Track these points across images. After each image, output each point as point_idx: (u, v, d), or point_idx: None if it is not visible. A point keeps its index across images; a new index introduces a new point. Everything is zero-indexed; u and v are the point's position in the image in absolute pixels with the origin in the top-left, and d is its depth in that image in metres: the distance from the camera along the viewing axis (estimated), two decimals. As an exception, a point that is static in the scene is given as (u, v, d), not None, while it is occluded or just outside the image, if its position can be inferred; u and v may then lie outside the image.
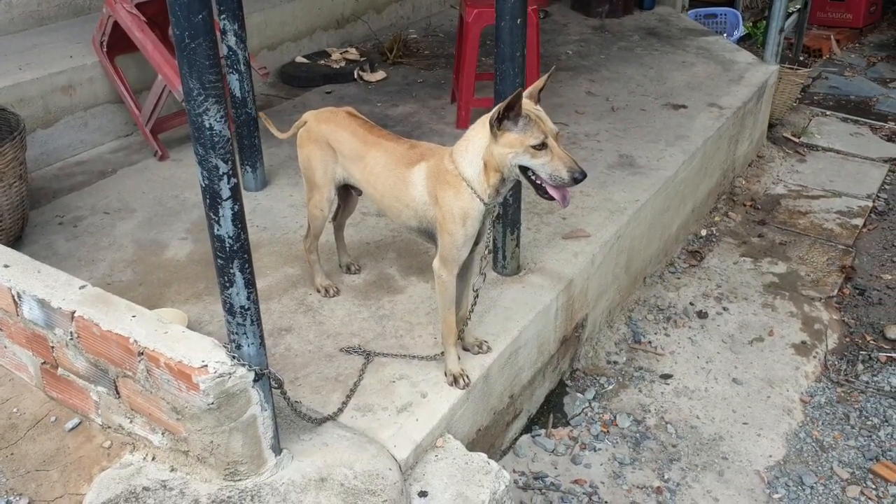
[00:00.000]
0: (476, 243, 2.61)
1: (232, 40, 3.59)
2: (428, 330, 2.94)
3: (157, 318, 2.18)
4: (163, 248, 3.49)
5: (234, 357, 2.02)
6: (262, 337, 2.04)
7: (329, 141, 2.85)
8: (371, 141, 2.77)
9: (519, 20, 2.74)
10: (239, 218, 1.86)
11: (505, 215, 3.11)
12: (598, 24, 6.66)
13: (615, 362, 3.73)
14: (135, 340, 2.11)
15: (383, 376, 2.71)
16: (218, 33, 3.56)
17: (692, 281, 4.38)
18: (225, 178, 1.80)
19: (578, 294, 3.38)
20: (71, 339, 2.27)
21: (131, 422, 2.29)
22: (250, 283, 1.95)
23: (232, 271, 1.91)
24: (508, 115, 2.27)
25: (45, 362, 2.45)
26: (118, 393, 2.26)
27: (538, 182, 2.36)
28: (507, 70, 2.83)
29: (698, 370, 3.71)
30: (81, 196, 3.94)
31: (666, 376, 3.66)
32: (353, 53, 5.62)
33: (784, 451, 3.27)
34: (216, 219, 1.84)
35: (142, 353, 2.10)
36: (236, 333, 2.00)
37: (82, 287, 2.33)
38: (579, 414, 3.40)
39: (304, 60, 5.53)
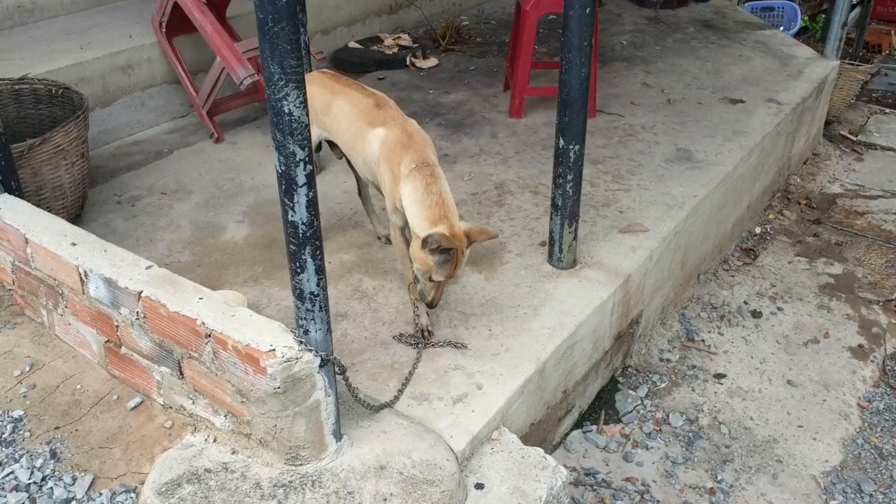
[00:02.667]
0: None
1: (292, 24, 3.58)
2: (482, 321, 2.92)
3: (225, 302, 2.18)
4: (220, 230, 3.51)
5: (301, 342, 2.02)
6: (328, 323, 2.03)
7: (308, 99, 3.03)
8: (338, 90, 2.95)
9: (588, 9, 2.69)
10: (313, 205, 1.85)
11: (563, 207, 3.07)
12: (652, 15, 6.56)
13: (668, 360, 3.68)
14: (202, 322, 2.12)
15: (438, 366, 2.70)
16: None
17: (746, 279, 4.31)
18: (301, 164, 1.79)
19: (635, 290, 3.34)
20: (137, 318, 2.29)
21: (193, 403, 2.30)
22: (320, 270, 1.94)
23: (304, 257, 1.90)
24: (439, 249, 2.50)
25: (108, 340, 2.47)
26: (182, 374, 2.28)
27: (416, 280, 2.69)
28: (574, 60, 2.78)
29: (752, 370, 3.65)
30: (138, 176, 3.98)
31: (719, 376, 3.60)
32: (405, 39, 5.60)
33: (841, 456, 3.21)
34: (291, 205, 1.83)
35: (209, 336, 2.11)
36: (304, 319, 1.99)
37: (149, 267, 2.35)
38: (631, 411, 3.36)
39: (357, 46, 5.52)
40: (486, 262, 3.28)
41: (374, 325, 2.91)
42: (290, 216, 1.86)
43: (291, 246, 1.90)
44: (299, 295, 1.96)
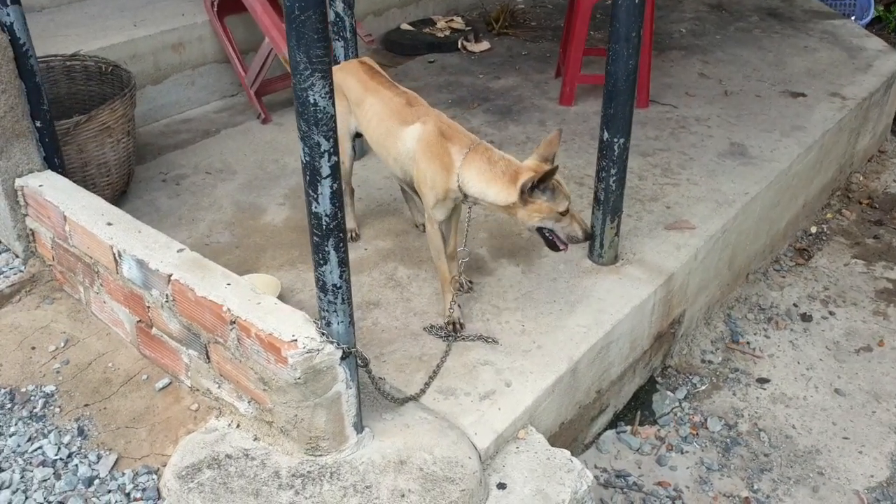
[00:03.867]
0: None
1: (340, 6, 3.55)
2: (516, 316, 2.87)
3: (251, 288, 2.18)
4: (261, 212, 3.52)
5: (323, 334, 2.00)
6: (351, 315, 2.01)
7: (343, 90, 2.98)
8: (371, 87, 2.89)
9: (638, -1, 2.59)
10: (337, 196, 1.82)
11: (606, 202, 2.99)
12: (714, 2, 6.34)
13: (710, 361, 3.57)
14: (228, 309, 2.11)
15: (467, 360, 2.66)
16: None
17: (798, 281, 4.15)
18: (326, 155, 1.76)
19: (678, 290, 3.24)
20: (166, 301, 2.30)
21: (219, 387, 2.31)
22: (343, 262, 1.91)
23: (327, 249, 1.87)
24: (540, 186, 2.44)
25: (140, 321, 2.50)
26: (209, 358, 2.28)
27: (550, 237, 2.57)
28: (621, 51, 2.69)
29: (798, 377, 3.52)
30: (185, 154, 4.02)
31: (763, 380, 3.48)
32: (458, 22, 5.52)
33: (888, 472, 3.07)
34: (315, 196, 1.81)
35: (234, 322, 2.10)
36: (327, 311, 1.97)
37: (180, 251, 2.35)
38: (668, 413, 3.28)
39: (409, 28, 5.47)
40: (524, 254, 3.22)
41: (405, 315, 2.88)
42: (314, 207, 1.83)
43: (315, 237, 1.88)
44: (322, 287, 1.94)
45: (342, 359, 2.03)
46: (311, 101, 1.70)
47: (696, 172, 3.82)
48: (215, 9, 4.30)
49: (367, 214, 3.49)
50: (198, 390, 2.41)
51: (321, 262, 1.90)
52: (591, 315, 2.87)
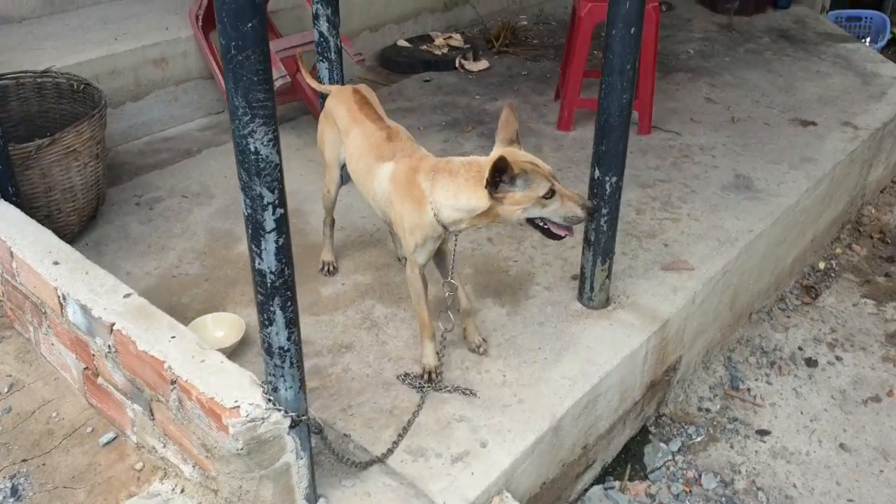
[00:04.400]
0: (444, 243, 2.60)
1: (324, 26, 3.38)
2: (497, 364, 2.67)
3: (198, 343, 1.99)
4: (235, 241, 3.34)
5: (269, 400, 1.81)
6: (302, 380, 1.82)
7: (335, 117, 2.82)
8: (357, 118, 2.72)
9: (633, 29, 2.40)
10: (283, 252, 1.64)
11: (597, 243, 2.79)
12: (725, 22, 6.14)
13: (707, 410, 3.36)
14: (169, 367, 1.93)
15: (442, 415, 2.46)
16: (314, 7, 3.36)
17: (804, 321, 3.94)
18: (270, 208, 1.58)
19: (673, 336, 3.04)
20: (109, 351, 2.12)
21: (164, 447, 2.13)
22: (292, 323, 1.72)
23: (272, 309, 1.69)
24: (502, 179, 2.15)
25: (87, 368, 2.32)
26: (153, 415, 2.10)
27: (545, 226, 2.28)
28: (615, 84, 2.50)
29: (800, 429, 3.30)
30: (163, 175, 3.84)
31: (763, 432, 3.27)
32: (456, 40, 5.34)
33: (895, 540, 2.86)
34: (258, 251, 1.62)
35: (174, 382, 1.92)
36: (273, 375, 1.78)
37: (127, 296, 2.17)
38: (660, 467, 3.07)
39: (406, 44, 5.30)
40: (510, 294, 3.02)
41: (378, 361, 2.69)
42: (257, 263, 1.64)
43: (259, 296, 1.69)
44: (268, 349, 1.75)
45: (291, 427, 1.84)
46: (252, 149, 1.52)
47: (697, 207, 3.62)
48: (200, 23, 4.13)
49: (347, 245, 3.31)
50: (143, 447, 2.22)
51: (266, 322, 1.71)
52: (577, 365, 2.67)
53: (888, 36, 6.47)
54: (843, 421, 3.35)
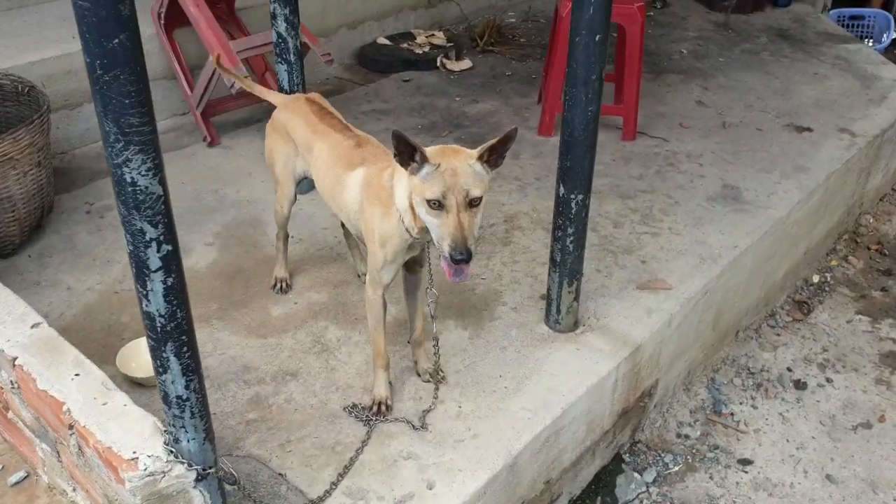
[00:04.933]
0: (420, 265, 2.41)
1: (282, 26, 3.18)
2: (454, 394, 2.48)
3: (102, 383, 1.80)
4: (186, 252, 3.14)
5: (171, 451, 1.62)
6: (206, 430, 1.63)
7: (288, 130, 2.62)
8: (320, 130, 2.51)
9: (598, 37, 2.20)
10: (174, 293, 1.45)
11: (563, 263, 2.60)
12: (721, 20, 5.91)
13: (686, 436, 3.17)
14: (68, 409, 1.75)
15: (388, 452, 2.27)
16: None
17: (794, 339, 3.73)
18: (154, 245, 1.39)
19: (647, 360, 2.84)
20: (12, 387, 1.93)
21: (74, 490, 1.95)
22: (190, 370, 1.54)
23: (165, 355, 1.50)
24: (410, 157, 1.94)
25: (-2, 401, 2.14)
26: (59, 457, 1.92)
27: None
28: (579, 95, 2.30)
29: (786, 458, 3.10)
30: (119, 181, 3.65)
31: (745, 462, 3.07)
32: (439, 38, 5.14)
33: (881, 584, 2.66)
34: (144, 292, 1.43)
35: (73, 427, 1.73)
36: (174, 426, 1.60)
37: (35, 325, 1.99)
38: (633, 500, 2.88)
39: (387, 42, 5.09)
40: (474, 315, 2.83)
41: (325, 391, 2.50)
42: (144, 305, 1.46)
43: (150, 341, 1.50)
44: (165, 398, 1.57)
45: (198, 481, 1.66)
46: (129, 179, 1.33)
47: (680, 220, 3.42)
48: (162, 21, 3.93)
49: (305, 260, 3.12)
50: (54, 489, 2.04)
51: (160, 369, 1.52)
52: (539, 396, 2.48)
53: (892, 35, 6.22)
54: (831, 449, 3.15)
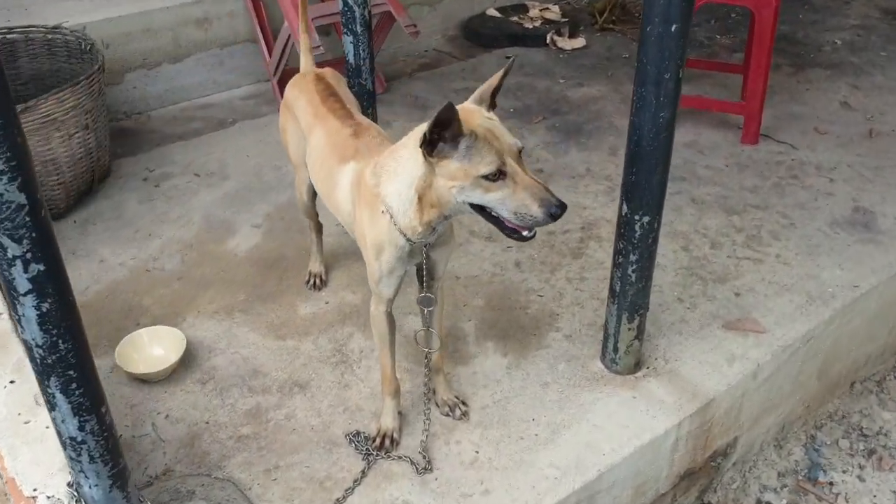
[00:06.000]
0: (432, 278, 1.97)
1: (349, -9, 2.86)
2: (473, 435, 2.14)
3: (35, 396, 1.59)
4: (230, 233, 2.94)
5: (74, 496, 1.38)
6: (114, 475, 1.38)
7: (294, 110, 2.30)
8: (320, 114, 2.18)
9: (675, 27, 1.75)
10: (52, 321, 1.18)
11: (622, 295, 2.18)
12: (893, 6, 5.10)
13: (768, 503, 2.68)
14: (-13, 423, 1.54)
15: (381, 498, 1.96)
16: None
17: (925, 399, 3.11)
18: (19, 264, 1.12)
19: (722, 416, 2.38)
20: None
21: None
22: (83, 410, 1.28)
23: (51, 391, 1.25)
24: (443, 137, 1.59)
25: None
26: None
27: (497, 217, 1.68)
28: (648, 97, 1.86)
29: (891, 549, 2.56)
30: (185, 148, 3.50)
31: (837, 547, 2.56)
32: (553, 12, 4.68)
33: None
34: (17, 317, 1.17)
35: (-11, 445, 1.53)
36: (72, 468, 1.35)
37: (-8, 316, 1.80)
38: (686, 576, 2.44)
39: (496, 14, 4.69)
40: (519, 340, 2.46)
41: (332, 410, 2.21)
42: (21, 333, 1.20)
43: (35, 372, 1.24)
44: (59, 436, 1.32)
45: (103, 531, 1.41)
46: (-18, 185, 1.06)
47: (791, 246, 2.88)
48: (247, -20, 3.73)
49: (344, 254, 2.83)
50: None
51: (49, 405, 1.27)
52: (573, 451, 2.09)
53: None
54: (953, 548, 2.57)
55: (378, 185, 1.80)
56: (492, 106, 1.73)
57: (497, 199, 1.62)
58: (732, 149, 3.50)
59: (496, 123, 1.66)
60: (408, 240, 1.81)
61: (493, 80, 1.72)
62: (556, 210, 1.59)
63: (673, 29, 1.74)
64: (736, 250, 2.86)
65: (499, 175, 1.60)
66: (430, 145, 1.61)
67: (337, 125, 2.11)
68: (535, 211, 1.60)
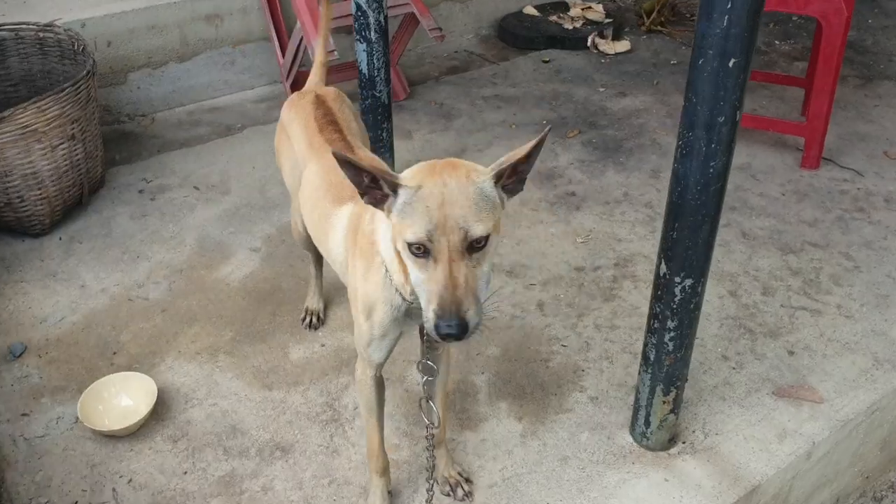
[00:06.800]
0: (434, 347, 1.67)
1: (362, -5, 2.57)
2: (478, 520, 1.84)
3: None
4: (224, 257, 2.68)
5: None
6: None
7: (289, 135, 2.02)
8: (315, 144, 1.88)
9: (733, 61, 1.41)
10: None
11: (657, 364, 1.85)
12: (971, 12, 4.64)
13: (817, 592, 2.34)
14: None
15: None
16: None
17: None
18: None
19: (769, 502, 2.05)
20: None
21: None
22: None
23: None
24: (377, 184, 1.32)
25: None
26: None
27: None
28: (696, 144, 1.53)
29: None
30: (186, 156, 3.25)
31: None
32: (596, 11, 4.32)
33: None
34: None
35: None
36: None
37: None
38: None
39: (534, 13, 4.35)
40: (537, 401, 2.15)
41: (315, 483, 1.93)
42: None
43: None
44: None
45: None
46: None
47: (856, 294, 2.52)
48: (262, -25, 3.45)
49: (345, 288, 2.52)
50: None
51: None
52: (591, 546, 1.78)
53: None
54: None
55: (374, 231, 1.51)
56: (509, 189, 1.35)
57: (415, 279, 1.32)
58: (790, 174, 3.14)
59: (463, 194, 1.27)
60: (404, 299, 1.51)
61: (520, 152, 1.32)
62: (445, 328, 1.25)
63: (731, 64, 1.41)
64: (791, 298, 2.51)
65: (424, 251, 1.28)
66: (370, 198, 1.33)
67: (333, 161, 1.81)
68: (429, 315, 1.27)
